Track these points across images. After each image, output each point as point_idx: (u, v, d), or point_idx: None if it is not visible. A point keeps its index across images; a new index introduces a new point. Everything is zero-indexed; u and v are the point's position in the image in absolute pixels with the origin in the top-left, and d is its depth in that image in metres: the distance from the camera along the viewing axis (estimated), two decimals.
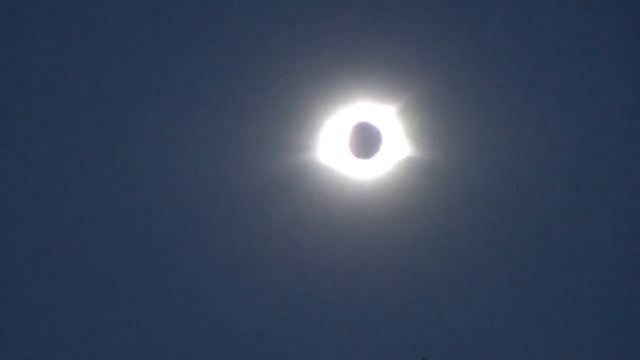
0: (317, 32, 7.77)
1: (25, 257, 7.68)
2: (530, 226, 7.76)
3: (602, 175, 7.76)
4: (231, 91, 7.78)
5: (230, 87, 7.78)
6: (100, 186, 7.77)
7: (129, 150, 7.78)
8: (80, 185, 7.72)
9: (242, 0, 7.76)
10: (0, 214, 7.67)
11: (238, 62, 7.78)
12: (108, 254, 7.73)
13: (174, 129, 7.77)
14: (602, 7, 7.77)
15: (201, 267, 7.79)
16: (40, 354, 7.61)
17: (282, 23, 7.76)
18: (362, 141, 7.84)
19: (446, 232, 7.78)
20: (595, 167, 7.76)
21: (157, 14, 7.75)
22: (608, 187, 7.76)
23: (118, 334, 7.69)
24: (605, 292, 7.73)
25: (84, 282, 7.70)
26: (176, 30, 7.76)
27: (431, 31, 7.76)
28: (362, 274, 7.80)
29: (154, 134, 7.79)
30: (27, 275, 7.66)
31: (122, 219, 7.76)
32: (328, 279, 7.81)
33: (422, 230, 7.78)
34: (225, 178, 7.76)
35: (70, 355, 7.64)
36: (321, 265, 7.81)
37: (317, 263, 7.81)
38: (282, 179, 7.77)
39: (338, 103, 7.79)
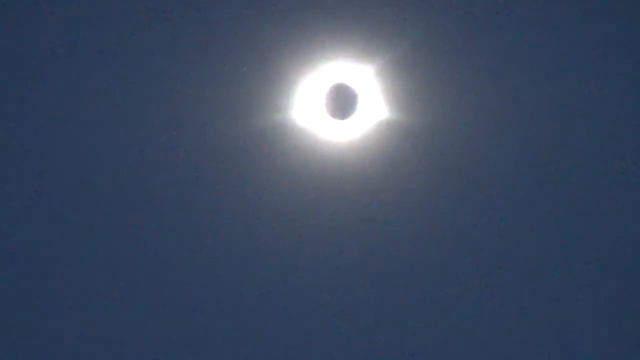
0: None
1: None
2: (511, 188, 7.54)
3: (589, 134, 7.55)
4: (202, 49, 7.60)
5: (202, 45, 7.60)
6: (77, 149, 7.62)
7: (100, 112, 7.63)
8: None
9: None
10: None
11: (210, 20, 7.60)
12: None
13: (144, 90, 7.60)
14: None
15: (170, 231, 7.62)
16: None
17: None
18: (339, 101, 7.64)
19: (423, 195, 7.56)
20: (583, 128, 7.56)
21: None
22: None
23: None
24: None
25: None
26: None
27: None
28: (337, 238, 7.61)
29: (122, 95, 7.63)
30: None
31: (94, 184, 7.61)
32: (302, 244, 7.62)
33: (398, 194, 7.57)
34: (196, 139, 7.58)
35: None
36: (296, 230, 7.62)
37: (292, 228, 7.62)
38: (256, 140, 7.59)
39: (314, 62, 7.60)
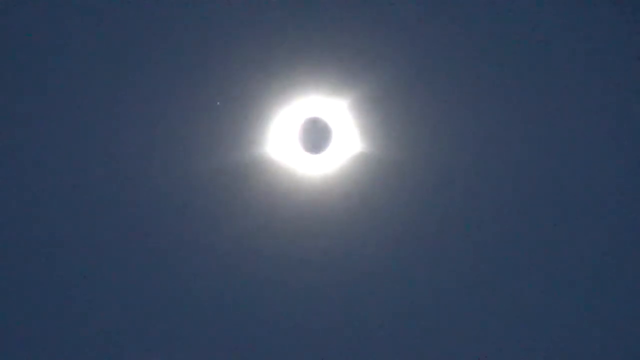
0: (267, 23, 7.62)
1: None
2: (486, 220, 7.63)
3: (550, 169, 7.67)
4: (178, 83, 7.62)
5: (177, 79, 7.62)
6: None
7: (74, 149, 7.61)
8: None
9: None
10: None
11: (184, 55, 7.62)
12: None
13: (118, 124, 7.60)
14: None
15: (145, 267, 7.60)
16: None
17: (230, 12, 7.61)
18: (313, 135, 7.69)
19: (397, 227, 7.63)
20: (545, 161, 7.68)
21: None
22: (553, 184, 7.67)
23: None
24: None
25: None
26: (119, 22, 7.60)
27: (384, 21, 7.63)
28: (312, 271, 7.64)
29: (100, 130, 7.62)
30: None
31: (62, 219, 7.58)
32: (278, 278, 7.64)
33: (372, 226, 7.63)
34: (171, 174, 7.58)
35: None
36: (271, 263, 7.65)
37: (266, 261, 7.65)
38: (230, 174, 7.61)
39: (288, 96, 7.65)
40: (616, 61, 7.66)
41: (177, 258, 7.59)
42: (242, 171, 7.61)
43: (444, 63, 7.64)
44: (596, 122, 7.68)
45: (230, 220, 7.62)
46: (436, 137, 7.62)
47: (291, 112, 7.67)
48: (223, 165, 7.59)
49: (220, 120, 7.61)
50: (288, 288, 7.62)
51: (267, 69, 7.61)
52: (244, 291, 7.61)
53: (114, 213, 7.55)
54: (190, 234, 7.60)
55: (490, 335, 7.56)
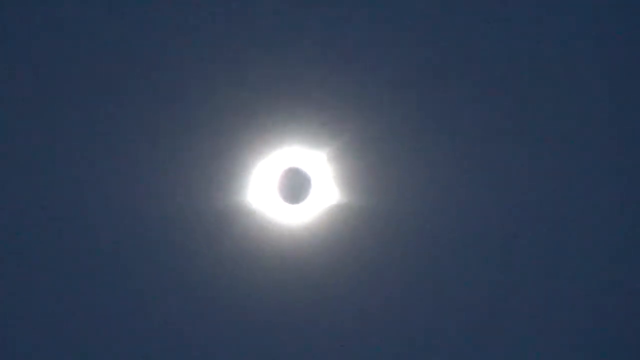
0: (248, 74, 7.75)
1: None
2: (460, 272, 7.71)
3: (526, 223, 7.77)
4: (159, 132, 7.71)
5: (159, 128, 7.71)
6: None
7: (51, 195, 7.66)
8: None
9: (176, 34, 7.76)
10: None
11: (167, 103, 7.72)
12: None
13: (98, 170, 7.67)
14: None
15: (122, 315, 7.63)
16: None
17: (212, 61, 7.74)
18: (292, 186, 7.79)
19: (374, 279, 7.70)
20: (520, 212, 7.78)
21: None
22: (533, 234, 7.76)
23: None
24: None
25: None
26: (102, 71, 7.72)
27: (364, 73, 7.77)
28: (289, 321, 7.68)
29: (80, 178, 7.68)
30: None
31: (37, 264, 7.61)
32: (254, 328, 7.68)
33: (350, 275, 7.70)
34: (151, 221, 7.64)
35: None
36: (247, 313, 7.69)
37: (243, 311, 7.68)
38: (210, 223, 7.67)
39: (268, 147, 7.75)
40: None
41: (154, 305, 7.62)
42: (221, 220, 7.67)
43: (422, 115, 7.78)
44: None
45: (209, 268, 7.67)
46: (414, 187, 7.73)
47: (271, 162, 7.77)
48: (203, 214, 7.66)
49: (200, 170, 7.70)
50: (266, 335, 7.66)
51: (247, 119, 7.72)
52: (221, 339, 7.64)
53: (90, 259, 7.60)
54: (168, 282, 7.64)
55: None
